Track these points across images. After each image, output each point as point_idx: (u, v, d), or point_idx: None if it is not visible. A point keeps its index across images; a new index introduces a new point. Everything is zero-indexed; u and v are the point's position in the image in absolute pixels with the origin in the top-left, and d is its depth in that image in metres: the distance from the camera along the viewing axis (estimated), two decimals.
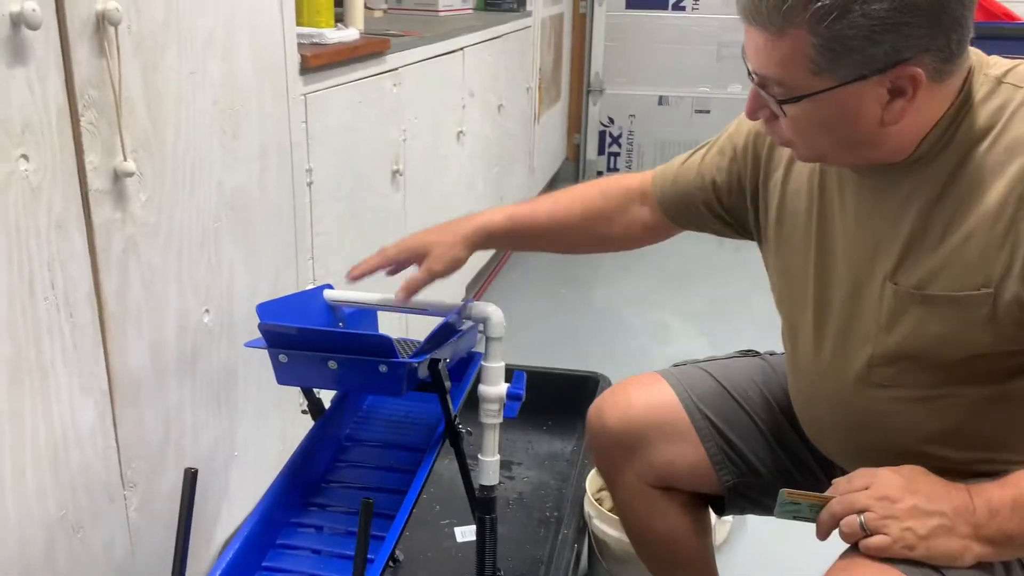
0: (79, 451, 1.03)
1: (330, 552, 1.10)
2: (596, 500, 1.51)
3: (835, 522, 0.83)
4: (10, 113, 0.88)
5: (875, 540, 0.80)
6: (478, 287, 3.05)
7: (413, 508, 1.10)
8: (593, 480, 1.57)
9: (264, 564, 1.07)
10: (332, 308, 1.25)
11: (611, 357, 2.63)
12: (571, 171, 5.00)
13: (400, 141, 2.09)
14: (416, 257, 1.20)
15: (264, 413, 1.49)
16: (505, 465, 1.90)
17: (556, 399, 2.00)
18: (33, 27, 0.88)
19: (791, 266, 1.03)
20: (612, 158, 4.82)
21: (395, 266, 1.23)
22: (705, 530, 1.19)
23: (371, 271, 1.22)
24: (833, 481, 0.86)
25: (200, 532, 1.33)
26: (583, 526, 1.54)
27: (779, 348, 1.28)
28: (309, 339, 1.03)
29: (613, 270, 3.36)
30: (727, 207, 1.13)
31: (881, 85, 0.79)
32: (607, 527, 1.45)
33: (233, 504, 1.42)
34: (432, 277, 1.20)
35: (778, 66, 0.81)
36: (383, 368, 1.03)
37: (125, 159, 1.04)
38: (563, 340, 2.75)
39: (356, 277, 1.21)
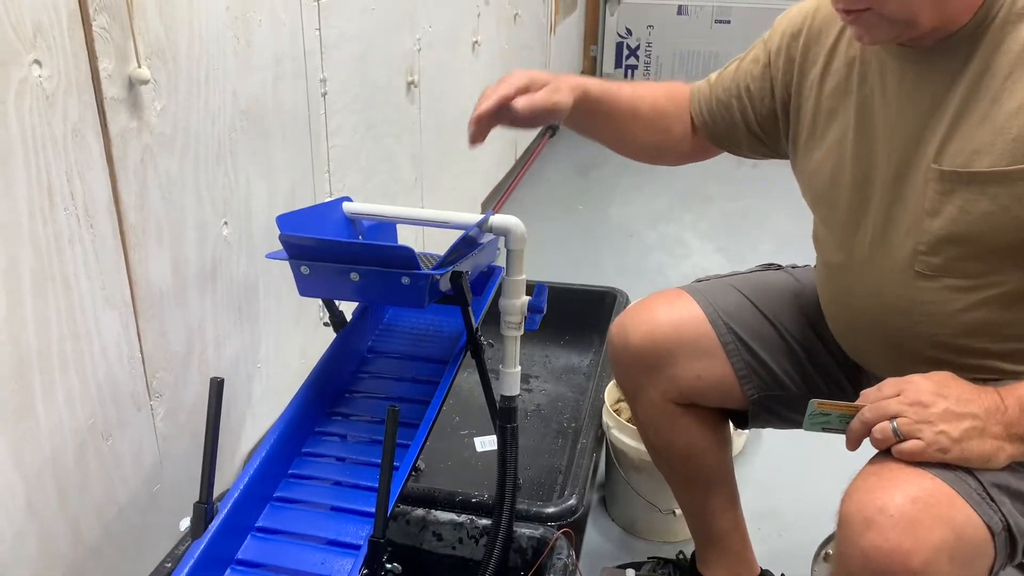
0: (104, 361, 1.04)
1: (354, 459, 1.11)
2: (614, 411, 1.52)
3: (866, 430, 0.83)
4: (21, 15, 0.85)
5: (908, 444, 0.80)
6: (495, 203, 3.03)
7: (436, 417, 1.11)
8: (611, 391, 1.58)
9: (290, 471, 1.09)
10: (351, 221, 1.24)
11: (628, 273, 2.63)
12: None
13: (414, 51, 2.04)
14: (535, 87, 1.01)
15: (285, 327, 1.49)
16: (523, 378, 1.90)
17: (573, 314, 2.00)
18: None
19: (827, 166, 1.00)
20: (630, 71, 4.71)
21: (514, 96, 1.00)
22: (725, 443, 1.20)
23: (498, 102, 0.99)
24: (862, 392, 0.86)
25: (225, 443, 1.35)
26: (601, 435, 1.56)
27: (799, 261, 1.27)
28: (330, 250, 1.02)
29: (630, 188, 3.32)
30: (760, 117, 1.10)
31: None
32: (625, 437, 1.46)
33: (256, 416, 1.44)
34: (554, 104, 1.01)
35: None
36: (405, 280, 1.02)
37: (139, 66, 1.02)
38: (580, 256, 2.74)
39: (487, 107, 0.99)
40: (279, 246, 1.04)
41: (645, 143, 1.20)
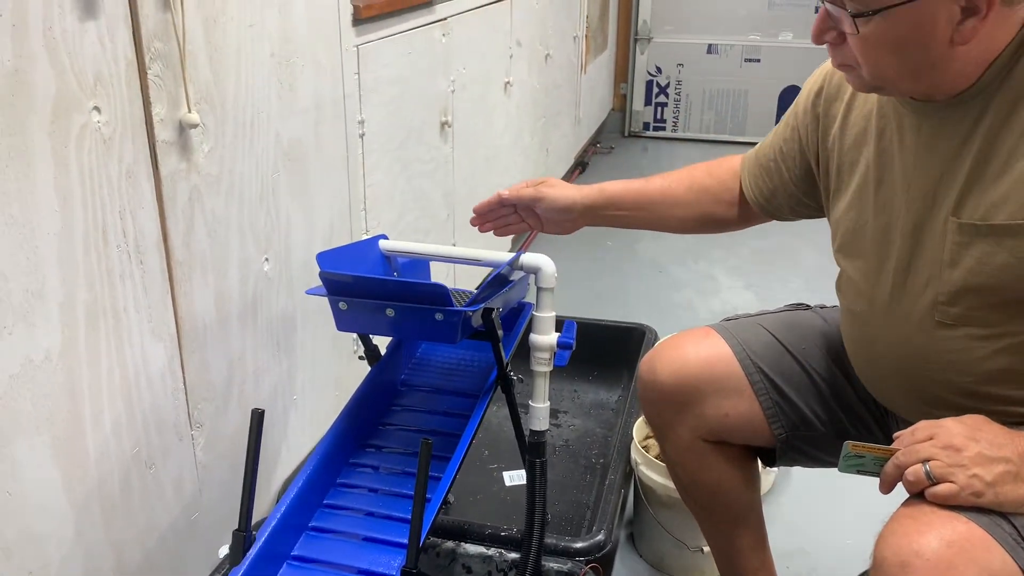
0: (150, 392, 1.08)
1: (387, 491, 1.14)
2: (643, 447, 1.54)
3: (900, 473, 0.84)
4: (83, 66, 0.91)
5: (942, 488, 0.81)
6: (523, 239, 3.07)
7: (467, 451, 1.14)
8: (640, 428, 1.60)
9: (325, 501, 1.12)
10: (387, 258, 1.28)
11: (657, 309, 2.65)
12: (617, 122, 4.95)
13: (448, 92, 2.09)
14: (532, 202, 1.26)
15: (321, 359, 1.53)
16: (552, 414, 1.93)
17: (602, 350, 2.03)
18: None
19: (850, 215, 1.03)
20: (659, 108, 4.76)
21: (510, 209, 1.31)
22: (753, 481, 1.21)
23: (489, 208, 1.30)
24: (896, 435, 0.87)
25: (262, 472, 1.38)
26: (629, 472, 1.57)
27: (828, 301, 1.29)
28: (367, 287, 1.06)
29: None
30: (795, 177, 1.15)
31: (956, 2, 0.80)
32: (654, 474, 1.48)
33: (291, 446, 1.47)
34: (539, 195, 1.26)
35: None
36: (439, 316, 1.05)
37: (190, 111, 1.07)
38: (608, 291, 2.77)
39: (481, 215, 1.34)
40: (317, 282, 1.08)
41: (687, 220, 1.27)
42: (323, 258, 1.14)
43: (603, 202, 1.26)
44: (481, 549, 1.29)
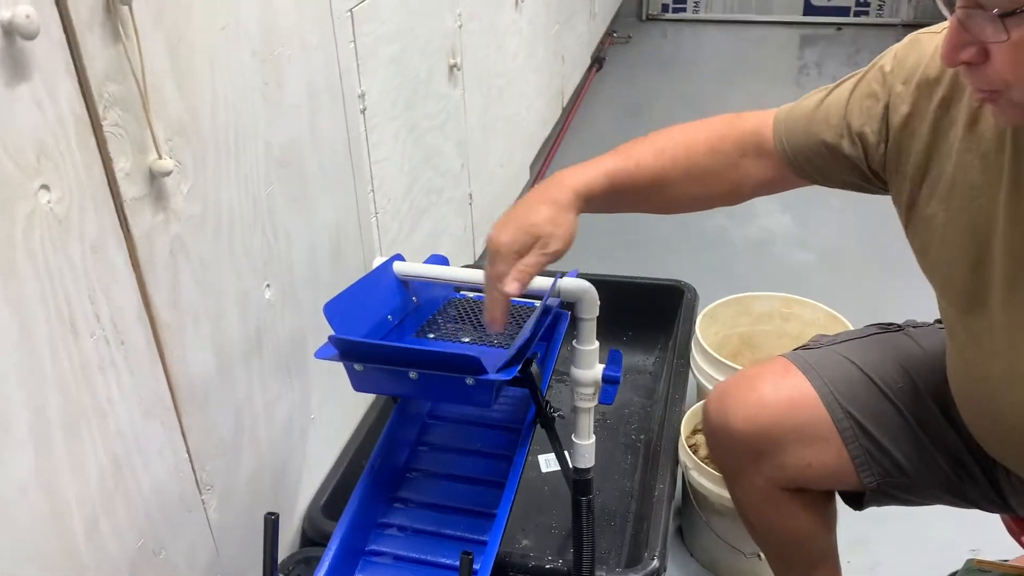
0: (149, 476, 0.96)
1: (419, 559, 1.03)
2: (690, 446, 1.42)
3: None
4: (20, 143, 0.73)
5: None
6: (540, 165, 2.87)
7: (511, 506, 1.03)
8: (688, 420, 1.48)
9: (356, 574, 1.02)
10: (403, 281, 1.13)
11: (686, 237, 2.48)
12: (633, 5, 4.62)
13: (456, 29, 1.87)
14: (526, 249, 0.93)
15: (337, 370, 1.40)
16: None
17: (636, 309, 1.88)
18: (30, 36, 0.72)
19: (962, 250, 0.85)
20: (678, 10, 4.47)
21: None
22: (832, 525, 1.09)
23: (505, 307, 0.93)
24: None
25: (282, 504, 1.29)
26: (676, 461, 1.46)
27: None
28: (387, 355, 0.92)
29: None
30: (877, 165, 0.92)
31: None
32: (705, 480, 1.37)
33: (312, 469, 1.37)
34: (552, 259, 0.94)
35: None
36: (470, 381, 0.91)
37: (160, 156, 0.90)
38: (633, 218, 2.59)
39: (501, 324, 0.95)
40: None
41: (687, 206, 1.04)
42: (331, 309, 0.99)
43: (597, 204, 1.01)
44: None
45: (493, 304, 0.91)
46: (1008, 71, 0.67)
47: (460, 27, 1.90)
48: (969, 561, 0.76)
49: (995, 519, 1.09)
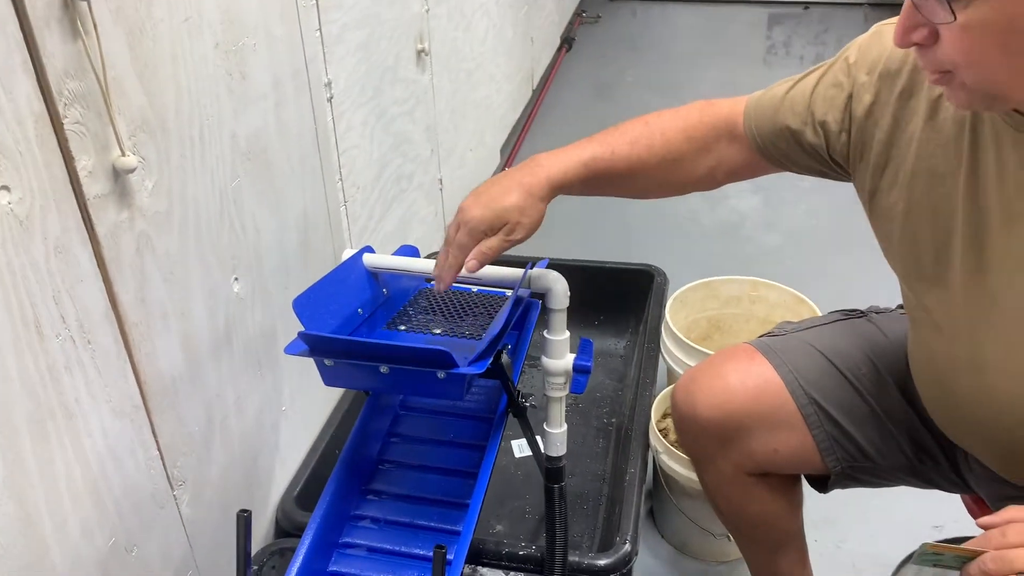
0: (120, 475, 0.96)
1: (392, 551, 1.04)
2: (660, 430, 1.44)
3: None
4: None
5: None
6: (510, 148, 2.86)
7: (484, 496, 1.04)
8: (658, 405, 1.49)
9: (330, 568, 1.02)
10: (374, 273, 1.13)
11: (659, 217, 2.49)
12: None
13: (423, 13, 1.86)
14: (493, 231, 0.96)
15: (308, 364, 1.39)
16: None
17: (607, 294, 1.89)
18: None
19: (924, 237, 0.87)
20: None
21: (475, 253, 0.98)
22: (798, 507, 1.11)
23: (456, 271, 0.97)
24: (984, 534, 0.76)
25: (255, 496, 1.29)
26: (647, 445, 1.48)
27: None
28: (358, 350, 0.92)
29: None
30: (838, 155, 0.94)
31: None
32: (675, 463, 1.38)
33: (285, 461, 1.37)
34: (513, 245, 0.97)
35: None
36: (441, 375, 0.92)
37: (123, 153, 0.89)
38: (603, 199, 2.60)
39: (447, 284, 0.99)
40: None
41: (663, 191, 1.06)
42: (300, 303, 0.99)
43: (573, 191, 1.03)
44: (500, 574, 1.21)
45: (447, 267, 0.96)
46: (956, 53, 0.68)
47: (427, 11, 1.88)
48: (923, 545, 0.78)
49: (957, 497, 1.12)
